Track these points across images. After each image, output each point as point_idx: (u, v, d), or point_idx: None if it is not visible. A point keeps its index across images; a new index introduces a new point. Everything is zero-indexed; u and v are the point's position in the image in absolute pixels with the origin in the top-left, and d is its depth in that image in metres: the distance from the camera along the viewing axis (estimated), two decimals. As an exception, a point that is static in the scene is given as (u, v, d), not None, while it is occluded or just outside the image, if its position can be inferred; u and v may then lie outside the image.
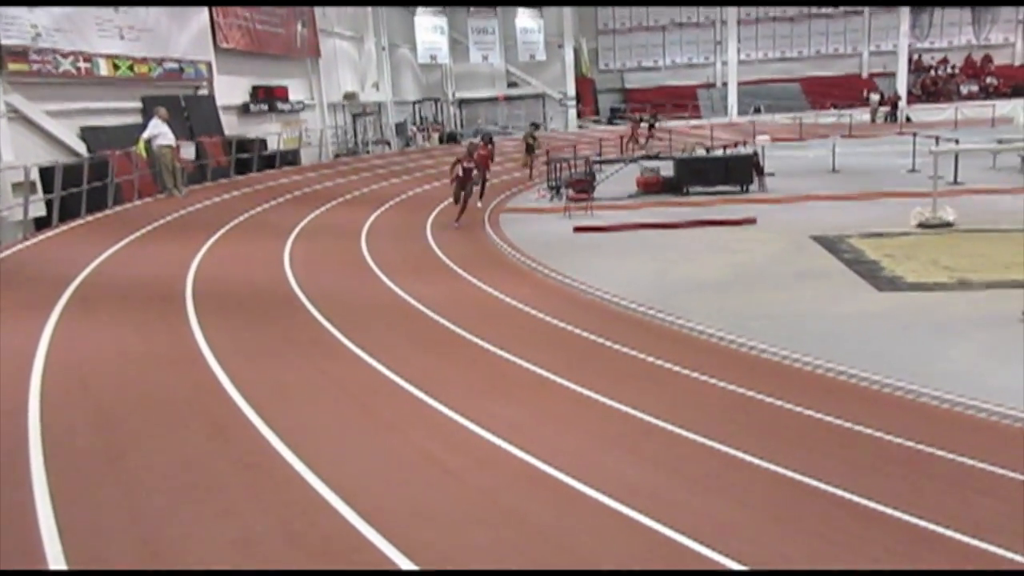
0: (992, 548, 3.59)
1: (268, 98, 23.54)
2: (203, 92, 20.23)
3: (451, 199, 14.75)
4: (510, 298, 8.76)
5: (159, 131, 14.94)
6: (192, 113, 19.17)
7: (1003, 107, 34.59)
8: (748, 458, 4.50)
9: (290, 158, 23.15)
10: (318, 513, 3.84)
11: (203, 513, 3.85)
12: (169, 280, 8.96)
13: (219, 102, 20.62)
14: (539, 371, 6.13)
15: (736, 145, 25.07)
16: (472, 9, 38.64)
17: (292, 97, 24.98)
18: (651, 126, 28.45)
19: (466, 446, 4.74)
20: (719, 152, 20.86)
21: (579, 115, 39.81)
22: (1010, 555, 3.53)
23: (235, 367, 5.99)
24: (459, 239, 12.67)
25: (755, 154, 18.50)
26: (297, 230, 12.78)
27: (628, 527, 3.75)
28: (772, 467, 4.38)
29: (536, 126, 24.54)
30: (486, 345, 6.86)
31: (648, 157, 19.88)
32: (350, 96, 29.98)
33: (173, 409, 5.23)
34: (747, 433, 4.92)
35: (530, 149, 22.20)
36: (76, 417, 5.06)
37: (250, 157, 20.48)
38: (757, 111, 38.86)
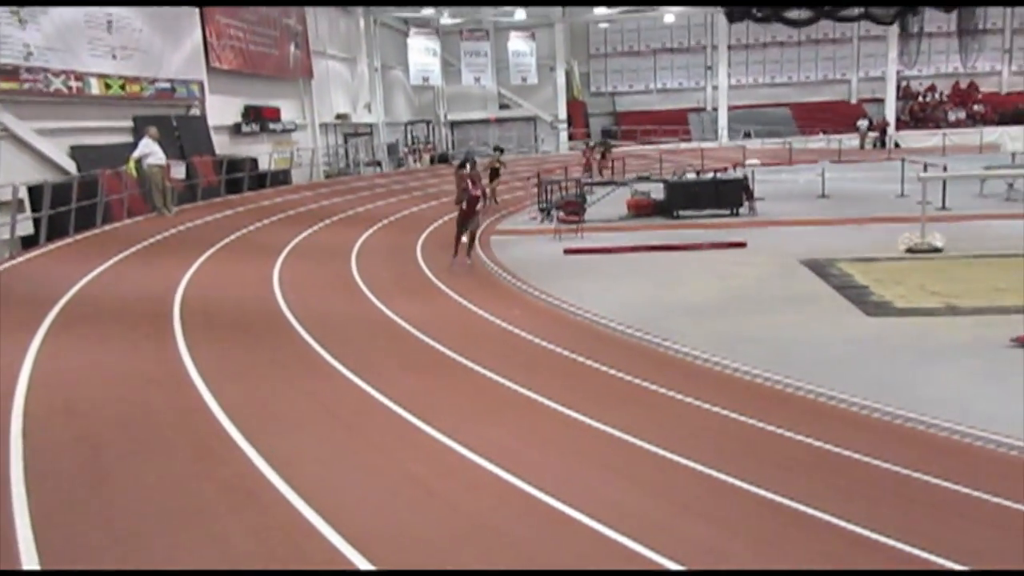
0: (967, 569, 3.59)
1: (260, 118, 23.57)
2: (195, 112, 20.24)
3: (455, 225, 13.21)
4: (500, 319, 8.76)
5: (150, 150, 14.95)
6: (183, 133, 19.18)
7: (990, 134, 34.97)
8: (737, 482, 4.49)
9: (281, 178, 23.15)
10: (303, 537, 3.81)
11: (186, 536, 3.81)
12: (157, 300, 8.92)
13: (211, 122, 20.62)
14: (528, 393, 6.12)
15: (726, 169, 25.25)
16: (465, 32, 38.94)
17: (284, 117, 25.02)
18: (603, 154, 26.90)
19: (454, 469, 4.71)
20: (709, 176, 20.97)
21: (570, 138, 40.04)
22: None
23: (222, 388, 5.95)
24: (448, 260, 12.66)
25: (745, 178, 18.63)
26: (287, 250, 12.77)
27: (616, 552, 3.73)
28: (761, 492, 4.37)
29: (501, 151, 22.13)
30: (475, 367, 6.85)
31: (640, 179, 19.98)
32: (342, 117, 30.07)
33: (158, 430, 5.19)
34: (736, 457, 4.91)
35: (495, 175, 20.67)
36: (59, 438, 5.00)
37: (241, 177, 20.50)
38: (747, 135, 39.16)
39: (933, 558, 3.69)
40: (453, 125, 40.93)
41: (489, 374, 6.63)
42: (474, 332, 8.46)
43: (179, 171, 16.70)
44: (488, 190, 19.02)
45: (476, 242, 12.53)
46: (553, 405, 5.85)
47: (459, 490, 4.42)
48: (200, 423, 5.30)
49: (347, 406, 5.85)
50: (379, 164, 31.42)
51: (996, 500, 4.35)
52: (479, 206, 12.43)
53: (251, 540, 3.78)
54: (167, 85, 18.85)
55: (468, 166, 14.80)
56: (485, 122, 41.02)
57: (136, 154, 14.94)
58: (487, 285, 11.00)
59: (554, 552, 3.74)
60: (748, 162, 28.21)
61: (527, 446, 5.11)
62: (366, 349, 7.44)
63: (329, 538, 3.78)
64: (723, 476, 4.58)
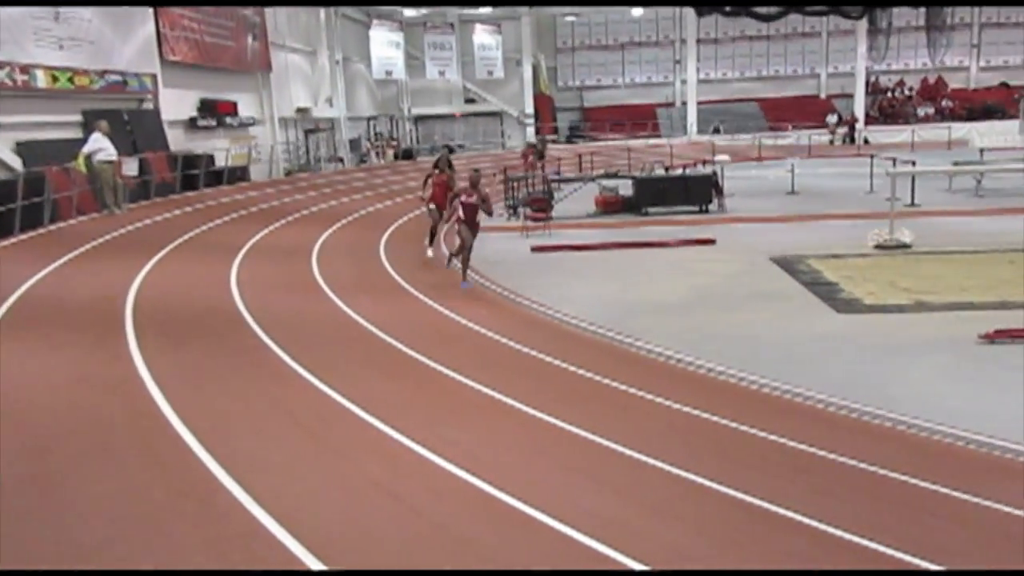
0: (943, 569, 3.65)
1: (216, 113, 23.27)
2: (148, 106, 19.92)
3: (426, 237, 12.69)
4: (466, 319, 8.75)
5: (100, 146, 14.69)
6: (136, 127, 18.85)
7: (959, 130, 35.67)
8: (707, 483, 4.53)
9: (239, 174, 22.88)
10: (260, 545, 3.77)
11: (138, 546, 3.75)
12: (108, 302, 8.77)
13: (164, 116, 20.31)
14: (494, 394, 6.12)
15: (695, 165, 25.48)
16: (429, 24, 38.81)
17: (242, 112, 24.72)
18: (540, 154, 25.06)
19: (418, 473, 4.69)
20: (678, 172, 21.14)
21: (537, 133, 40.09)
22: (966, 579, 3.59)
23: (176, 392, 5.87)
24: (414, 258, 12.63)
25: (714, 174, 18.81)
26: (245, 249, 12.62)
27: (582, 554, 3.74)
28: (730, 492, 4.41)
29: (451, 150, 18.66)
30: (440, 368, 6.82)
31: (608, 176, 20.07)
32: (302, 111, 29.82)
33: (108, 437, 5.10)
34: (706, 457, 4.95)
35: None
36: (6, 446, 4.89)
37: (197, 173, 20.23)
38: (716, 131, 39.54)
39: (903, 556, 3.74)
40: (417, 120, 40.79)
41: (454, 375, 6.62)
42: (439, 332, 8.43)
43: (131, 167, 16.44)
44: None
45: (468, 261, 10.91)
46: (519, 406, 5.85)
47: (423, 494, 4.40)
48: (153, 429, 5.22)
49: (307, 409, 5.79)
50: (341, 160, 31.21)
51: (965, 497, 4.43)
52: (479, 217, 10.84)
53: (206, 550, 3.73)
54: (118, 78, 18.52)
55: (448, 167, 13.43)
56: (450, 117, 40.94)
57: (86, 149, 14.67)
58: (452, 284, 10.97)
59: (520, 556, 3.74)
60: (717, 158, 28.46)
61: (492, 448, 5.11)
62: (327, 351, 7.38)
63: (288, 546, 3.74)
64: (692, 476, 4.62)
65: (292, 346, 7.25)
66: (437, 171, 13.14)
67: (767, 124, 40.60)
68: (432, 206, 12.77)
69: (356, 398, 5.85)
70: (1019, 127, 35.38)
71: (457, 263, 11.19)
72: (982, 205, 16.85)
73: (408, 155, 34.03)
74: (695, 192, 17.92)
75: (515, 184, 19.03)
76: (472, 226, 10.76)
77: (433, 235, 12.89)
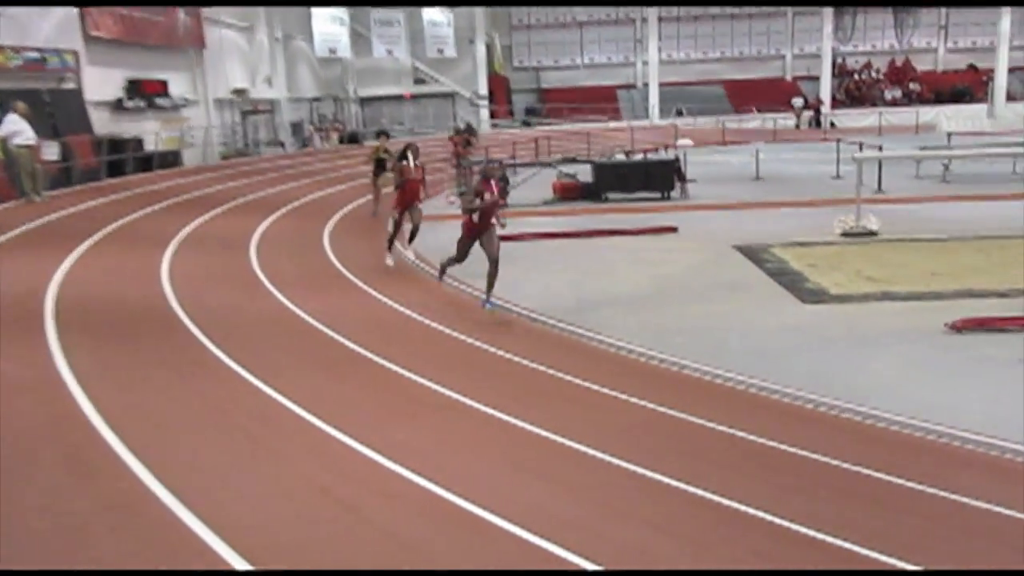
0: (920, 569, 3.72)
1: (145, 93, 22.85)
2: (70, 85, 19.50)
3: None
4: (415, 313, 8.70)
5: (17, 128, 14.34)
6: (56, 109, 18.43)
7: (926, 114, 36.50)
8: (669, 481, 4.56)
9: (170, 159, 22.54)
10: (195, 556, 3.70)
11: (60, 562, 3.66)
12: (26, 297, 8.55)
13: (88, 97, 19.93)
14: (446, 392, 6.09)
15: (657, 149, 25.68)
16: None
17: (173, 92, 24.35)
18: (467, 141, 24.03)
19: (364, 476, 4.65)
20: (639, 157, 21.28)
21: (492, 115, 40.02)
22: (934, 576, 3.67)
23: (101, 394, 5.74)
24: (359, 248, 12.53)
25: (677, 159, 18.96)
26: (177, 240, 12.41)
27: (543, 560, 3.74)
28: (694, 490, 4.45)
29: (387, 136, 16.81)
30: (387, 364, 6.78)
31: (567, 160, 20.12)
32: (239, 92, 29.39)
33: (25, 443, 4.97)
34: (668, 454, 4.99)
35: (381, 167, 15.25)
36: (-90, 454, 4.75)
37: (124, 158, 19.84)
38: (679, 114, 39.86)
39: (873, 554, 3.80)
40: (363, 102, 40.39)
41: (404, 372, 6.57)
42: (387, 327, 8.37)
43: (51, 152, 16.09)
44: (376, 185, 15.95)
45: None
46: (473, 404, 5.83)
47: (370, 499, 4.36)
48: (75, 433, 5.10)
49: (245, 410, 5.71)
50: (282, 144, 30.86)
51: (933, 491, 4.52)
52: (495, 221, 9.16)
53: (134, 562, 3.65)
54: (36, 55, 18.08)
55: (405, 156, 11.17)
56: (399, 98, 40.62)
57: (1, 133, 14.31)
58: (401, 275, 10.91)
59: (475, 562, 3.72)
60: (680, 142, 28.76)
61: (444, 449, 5.09)
62: (267, 348, 7.29)
63: (225, 557, 3.68)
64: (654, 475, 4.64)
65: (229, 344, 7.14)
66: (405, 162, 11.10)
67: (731, 107, 41.06)
68: (396, 213, 11.29)
69: (298, 398, 5.78)
70: (987, 111, 36.36)
71: (447, 278, 9.92)
72: (950, 191, 17.25)
73: (354, 139, 33.72)
74: (657, 178, 18.04)
75: (467, 170, 18.96)
76: (492, 232, 9.11)
77: (392, 244, 11.55)
